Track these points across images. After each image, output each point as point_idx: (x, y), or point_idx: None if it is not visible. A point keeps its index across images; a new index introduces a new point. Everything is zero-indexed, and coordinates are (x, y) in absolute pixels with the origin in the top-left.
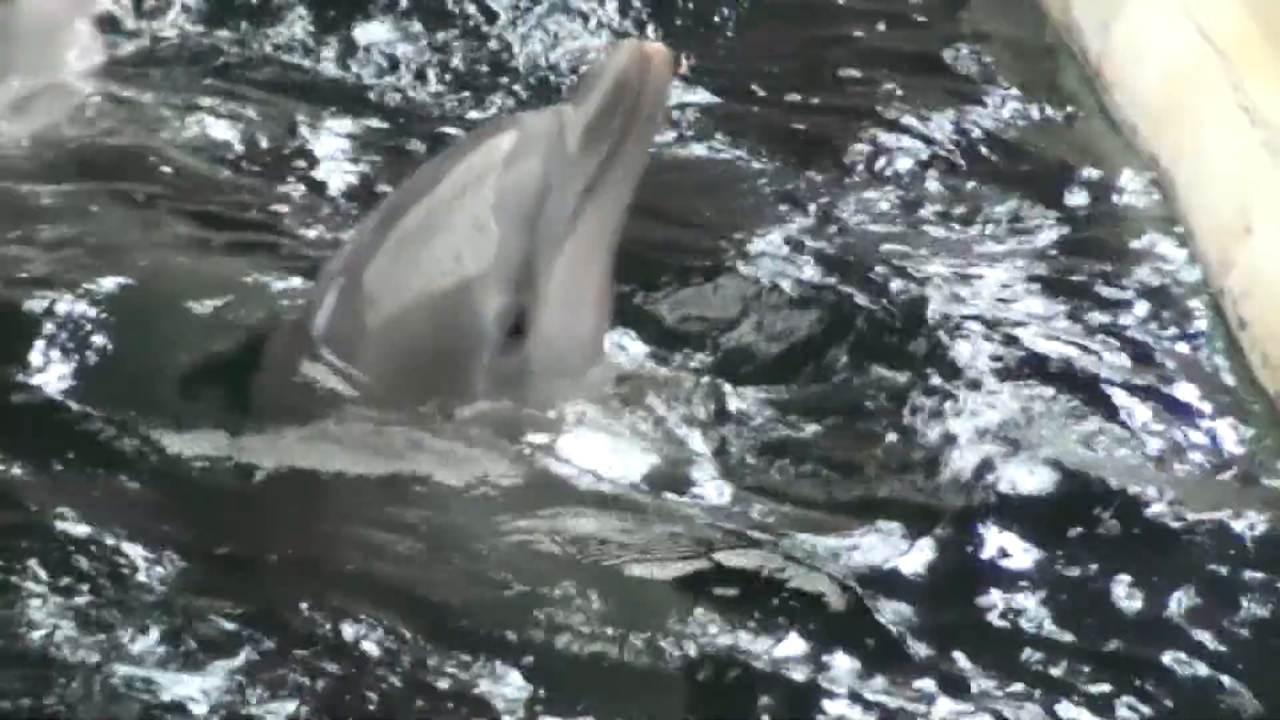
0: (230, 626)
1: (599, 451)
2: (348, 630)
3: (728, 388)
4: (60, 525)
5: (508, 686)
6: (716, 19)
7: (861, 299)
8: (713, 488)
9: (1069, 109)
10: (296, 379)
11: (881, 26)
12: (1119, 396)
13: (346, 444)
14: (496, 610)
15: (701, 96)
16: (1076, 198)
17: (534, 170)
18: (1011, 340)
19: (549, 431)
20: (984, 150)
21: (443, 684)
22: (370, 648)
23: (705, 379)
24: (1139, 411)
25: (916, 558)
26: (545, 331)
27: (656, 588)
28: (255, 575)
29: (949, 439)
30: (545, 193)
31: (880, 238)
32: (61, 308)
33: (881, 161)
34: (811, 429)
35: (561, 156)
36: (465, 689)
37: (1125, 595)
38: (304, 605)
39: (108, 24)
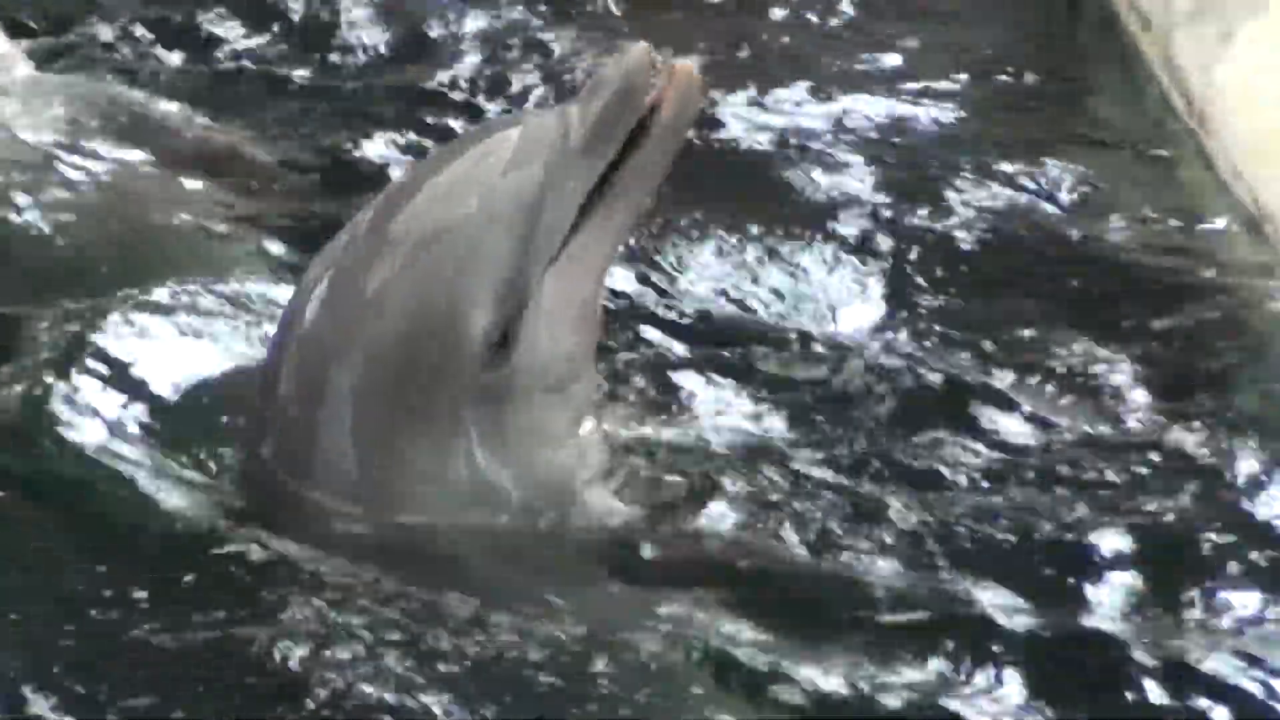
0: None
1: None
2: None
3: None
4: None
5: None
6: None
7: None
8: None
9: (1168, 152)
10: (281, 386)
11: (975, 77)
12: (1218, 462)
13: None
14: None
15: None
16: (1175, 240)
17: (532, 177)
18: (1096, 397)
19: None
20: (1081, 192)
21: None
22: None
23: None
24: (1243, 480)
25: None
26: (533, 342)
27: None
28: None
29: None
30: (542, 200)
31: (951, 292)
32: None
33: (962, 209)
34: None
35: (564, 160)
36: None
37: None
38: (283, 648)
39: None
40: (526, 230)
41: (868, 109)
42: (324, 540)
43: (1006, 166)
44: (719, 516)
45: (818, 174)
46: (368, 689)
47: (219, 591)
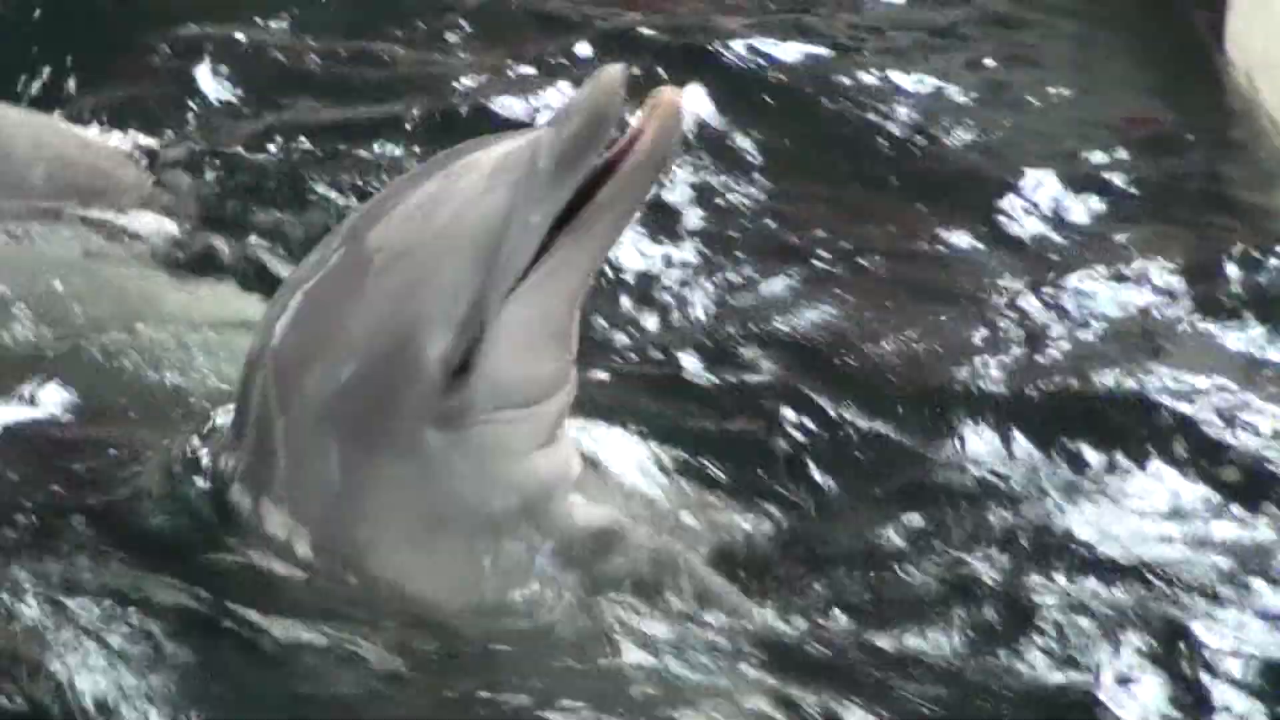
0: None
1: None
2: None
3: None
4: None
5: None
6: None
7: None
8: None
9: None
10: (251, 409)
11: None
12: None
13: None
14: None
15: None
16: None
17: (496, 202)
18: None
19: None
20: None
21: None
22: None
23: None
24: None
25: None
26: (493, 368)
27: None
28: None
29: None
30: (506, 225)
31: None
32: None
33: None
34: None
35: (530, 186)
36: None
37: None
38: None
39: None
40: (487, 256)
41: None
42: (292, 567)
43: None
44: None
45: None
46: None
47: (184, 613)
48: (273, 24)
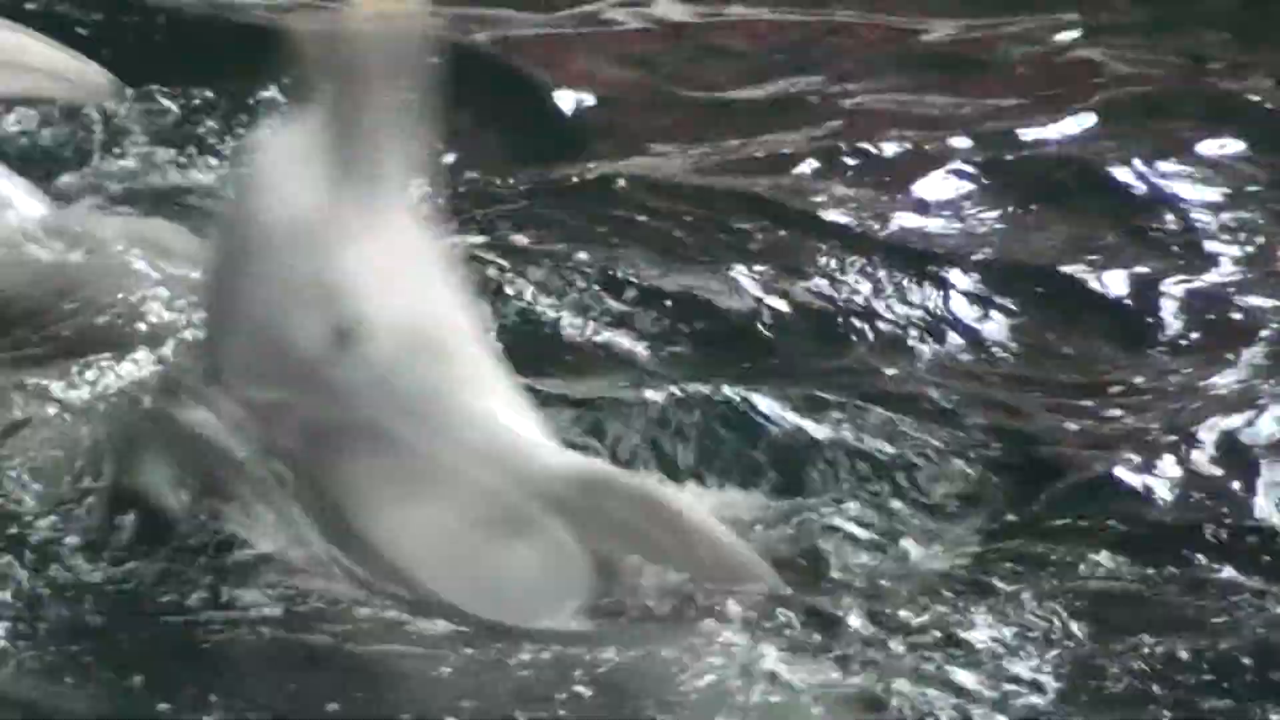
0: None
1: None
2: None
3: None
4: None
5: None
6: None
7: None
8: None
9: None
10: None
11: None
12: None
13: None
14: None
15: None
16: None
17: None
18: None
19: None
20: None
21: None
22: None
23: None
24: None
25: None
26: (378, 324)
27: None
28: None
29: None
30: (303, 205)
31: None
32: None
33: None
34: None
35: (309, 159)
36: None
37: None
38: None
39: None
40: (306, 234)
41: None
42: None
43: None
44: None
45: None
46: None
47: None
48: None
